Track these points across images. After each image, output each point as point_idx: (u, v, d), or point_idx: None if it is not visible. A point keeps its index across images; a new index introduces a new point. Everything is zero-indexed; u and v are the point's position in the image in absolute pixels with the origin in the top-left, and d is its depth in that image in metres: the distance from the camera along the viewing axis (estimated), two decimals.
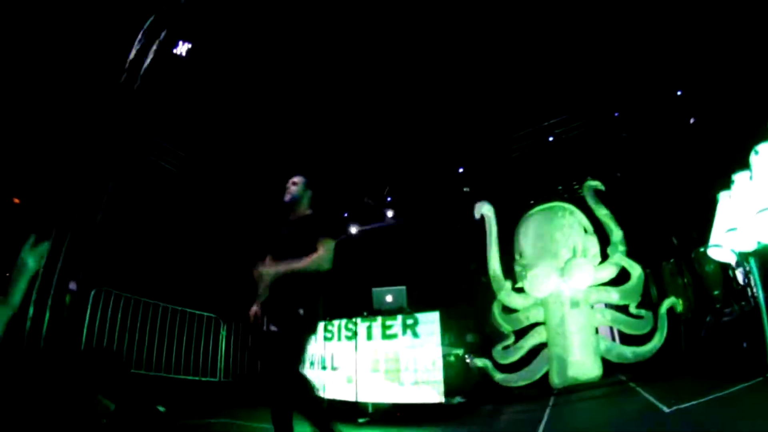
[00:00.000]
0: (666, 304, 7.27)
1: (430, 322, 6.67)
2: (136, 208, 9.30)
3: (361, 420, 6.69)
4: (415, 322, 6.75)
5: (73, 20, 7.36)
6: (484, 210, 8.61)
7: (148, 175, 9.71)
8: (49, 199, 7.78)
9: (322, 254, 3.49)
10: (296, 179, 3.91)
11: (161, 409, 6.04)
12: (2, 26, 6.91)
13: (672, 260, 9.01)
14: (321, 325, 7.78)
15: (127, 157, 8.75)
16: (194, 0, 7.71)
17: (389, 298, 7.69)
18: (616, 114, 9.60)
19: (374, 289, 7.84)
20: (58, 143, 8.06)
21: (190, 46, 8.18)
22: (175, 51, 8.14)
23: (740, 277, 5.61)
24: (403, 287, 7.80)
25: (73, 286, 7.62)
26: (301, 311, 3.41)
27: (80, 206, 7.86)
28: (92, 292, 7.84)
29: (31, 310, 7.02)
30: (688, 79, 8.65)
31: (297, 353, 3.42)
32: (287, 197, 3.83)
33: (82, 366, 6.61)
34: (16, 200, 7.85)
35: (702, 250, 6.76)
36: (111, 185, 8.39)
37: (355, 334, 7.21)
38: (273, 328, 3.45)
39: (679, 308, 7.46)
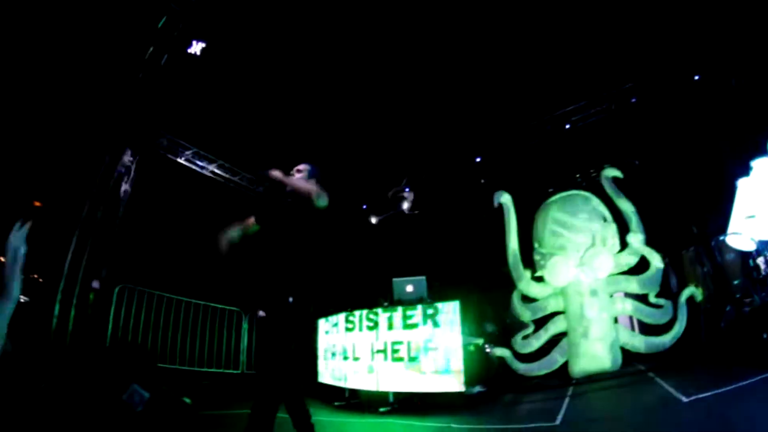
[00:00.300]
0: (685, 293, 7.21)
1: (450, 311, 6.68)
2: (157, 206, 9.46)
3: (382, 409, 6.77)
4: (436, 312, 6.77)
5: (89, 22, 7.45)
6: (503, 199, 8.61)
7: (167, 172, 9.85)
8: (71, 198, 7.94)
9: (319, 190, 3.53)
10: (300, 167, 3.83)
11: (187, 400, 6.20)
12: (13, 30, 7.02)
13: (692, 248, 8.93)
14: (334, 318, 7.92)
15: (147, 155, 8.92)
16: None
17: (409, 288, 7.74)
18: (633, 100, 9.50)
19: (395, 280, 7.90)
20: (78, 143, 8.19)
21: (204, 45, 8.24)
22: (189, 50, 8.21)
23: (762, 267, 5.56)
24: (423, 277, 7.85)
25: (96, 284, 7.82)
26: (291, 299, 3.37)
27: (102, 205, 8.04)
28: (116, 289, 8.02)
29: (57, 309, 7.23)
30: (707, 64, 8.52)
31: (284, 341, 3.35)
32: (288, 188, 3.70)
33: (111, 360, 6.79)
34: (38, 203, 7.97)
35: (722, 238, 6.70)
36: (131, 183, 8.57)
37: (377, 324, 7.28)
38: (261, 313, 3.43)
39: (699, 298, 7.40)
